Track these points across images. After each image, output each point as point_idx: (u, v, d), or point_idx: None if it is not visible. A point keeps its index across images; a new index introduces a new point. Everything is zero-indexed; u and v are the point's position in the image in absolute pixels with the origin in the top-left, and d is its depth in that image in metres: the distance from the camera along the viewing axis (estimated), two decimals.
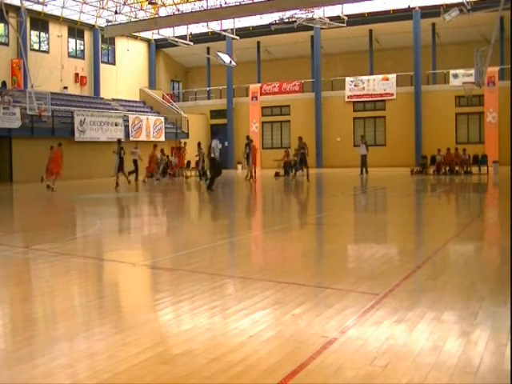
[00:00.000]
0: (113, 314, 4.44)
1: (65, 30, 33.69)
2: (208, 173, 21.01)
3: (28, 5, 28.02)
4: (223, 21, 34.19)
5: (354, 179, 23.21)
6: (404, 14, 33.29)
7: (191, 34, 34.59)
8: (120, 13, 30.59)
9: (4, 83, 29.20)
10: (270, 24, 31.64)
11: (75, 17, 33.49)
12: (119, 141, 22.82)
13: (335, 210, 12.90)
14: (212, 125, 39.37)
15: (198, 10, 30.48)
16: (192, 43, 33.60)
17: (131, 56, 38.16)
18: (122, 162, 21.25)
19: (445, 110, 32.48)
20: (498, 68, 31.32)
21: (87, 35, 35.19)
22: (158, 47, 40.22)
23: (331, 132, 34.87)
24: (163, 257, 7.15)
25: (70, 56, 34.19)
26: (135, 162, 24.56)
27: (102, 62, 35.95)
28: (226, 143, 37.41)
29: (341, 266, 6.29)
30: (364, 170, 24.87)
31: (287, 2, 26.05)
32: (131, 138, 31.62)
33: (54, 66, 32.67)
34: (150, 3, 30.67)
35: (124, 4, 31.28)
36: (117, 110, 33.23)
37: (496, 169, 24.12)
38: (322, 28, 32.52)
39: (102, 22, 33.63)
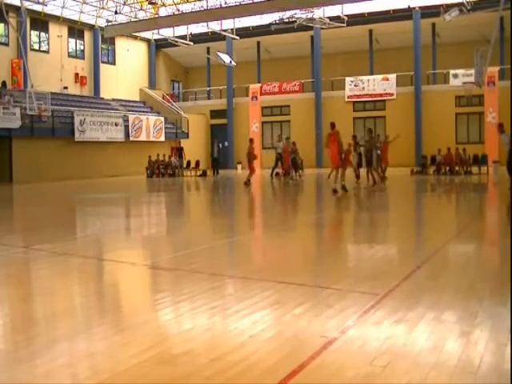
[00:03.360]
0: (113, 314, 4.44)
1: (65, 30, 33.68)
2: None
3: (28, 5, 28.02)
4: (223, 21, 34.18)
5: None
6: (404, 14, 33.28)
7: (191, 33, 34.59)
8: (120, 13, 30.59)
9: (4, 83, 29.20)
10: (270, 24, 31.65)
11: (75, 17, 33.49)
12: (357, 137, 20.88)
13: (335, 210, 12.91)
14: (212, 125, 39.38)
15: (198, 9, 30.48)
16: (192, 43, 33.62)
17: (131, 56, 38.16)
18: (371, 156, 19.26)
19: (445, 110, 32.47)
20: (498, 68, 31.31)
21: (87, 35, 35.18)
22: (158, 47, 40.21)
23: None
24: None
25: (70, 56, 34.18)
26: (280, 155, 23.73)
27: (102, 62, 35.94)
28: (226, 143, 37.44)
29: (341, 266, 6.29)
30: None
31: (287, 2, 26.05)
32: (131, 138, 31.67)
33: (54, 66, 32.66)
34: (150, 3, 30.69)
35: (124, 4, 31.28)
36: (117, 110, 33.24)
37: (496, 169, 24.11)
38: (321, 28, 32.51)
39: (102, 22, 33.61)
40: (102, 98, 34.84)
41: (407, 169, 26.74)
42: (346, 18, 30.92)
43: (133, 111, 34.13)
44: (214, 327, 3.96)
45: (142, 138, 32.41)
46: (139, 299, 5.08)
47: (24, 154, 25.82)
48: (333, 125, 15.83)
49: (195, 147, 35.01)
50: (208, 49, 37.95)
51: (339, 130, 15.45)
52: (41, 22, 32.16)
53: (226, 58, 33.54)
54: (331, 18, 31.31)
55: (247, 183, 19.64)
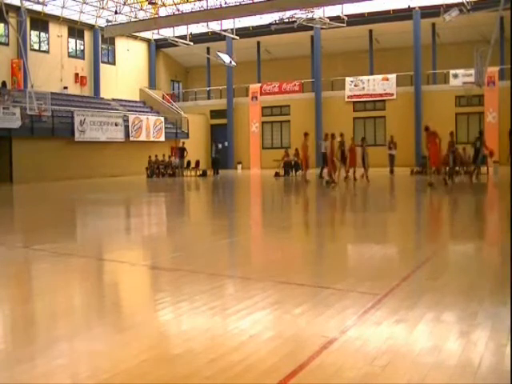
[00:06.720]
0: (113, 314, 4.44)
1: (65, 30, 33.67)
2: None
3: (28, 5, 28.00)
4: (223, 21, 34.18)
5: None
6: (404, 14, 33.28)
7: (191, 34, 34.59)
8: (120, 13, 30.57)
9: (4, 83, 29.19)
10: (270, 24, 31.65)
11: (75, 17, 33.48)
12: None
13: (335, 209, 12.90)
14: (212, 125, 39.38)
15: (198, 10, 30.48)
16: (192, 43, 33.60)
17: (131, 56, 38.15)
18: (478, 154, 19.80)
19: (445, 110, 32.45)
20: (498, 68, 31.31)
21: (87, 35, 35.18)
22: (158, 47, 40.20)
23: (331, 132, 34.81)
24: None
25: (70, 56, 34.17)
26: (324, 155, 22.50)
27: (102, 62, 35.94)
28: (226, 143, 37.46)
29: (341, 266, 6.29)
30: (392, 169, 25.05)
31: (287, 2, 26.05)
32: (131, 138, 31.67)
33: (54, 66, 32.64)
34: (150, 3, 30.67)
35: (124, 4, 31.27)
36: (117, 109, 33.23)
37: (496, 169, 24.11)
38: (322, 28, 32.51)
39: (102, 22, 33.59)
40: (102, 98, 34.84)
41: (407, 169, 26.71)
42: (345, 18, 30.92)
43: (133, 111, 34.12)
44: (214, 327, 3.96)
45: (142, 138, 32.40)
46: (139, 299, 5.09)
47: (24, 154, 25.81)
48: (427, 128, 17.58)
49: (195, 147, 34.97)
50: (208, 49, 37.93)
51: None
52: (41, 21, 32.15)
53: (226, 58, 33.54)
54: (331, 18, 31.32)
55: (306, 180, 20.18)
